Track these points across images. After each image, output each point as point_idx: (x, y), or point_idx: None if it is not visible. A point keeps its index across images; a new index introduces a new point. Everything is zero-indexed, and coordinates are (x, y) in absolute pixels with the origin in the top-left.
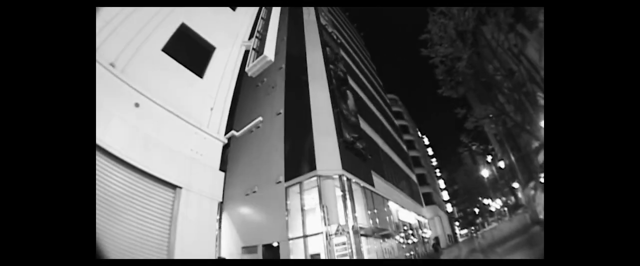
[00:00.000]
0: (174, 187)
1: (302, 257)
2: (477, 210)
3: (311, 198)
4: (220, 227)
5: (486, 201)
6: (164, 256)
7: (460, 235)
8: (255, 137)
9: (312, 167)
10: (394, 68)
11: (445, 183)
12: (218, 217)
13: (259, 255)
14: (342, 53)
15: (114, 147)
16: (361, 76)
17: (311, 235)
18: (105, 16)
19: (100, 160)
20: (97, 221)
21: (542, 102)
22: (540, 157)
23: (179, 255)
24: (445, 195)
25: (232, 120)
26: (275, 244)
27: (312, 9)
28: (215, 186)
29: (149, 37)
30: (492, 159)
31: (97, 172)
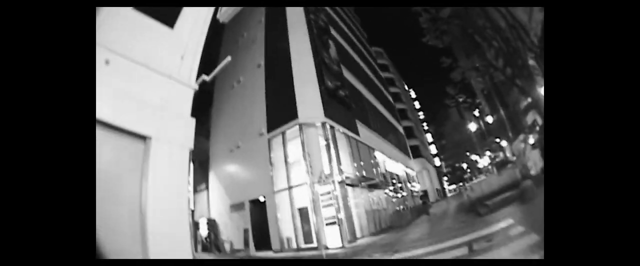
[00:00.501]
0: (143, 138)
1: (288, 211)
2: (465, 166)
3: (295, 149)
4: (208, 187)
5: (474, 157)
6: (136, 209)
7: (448, 190)
8: (237, 92)
9: (294, 115)
10: (380, 20)
11: (433, 137)
12: (200, 172)
13: (246, 211)
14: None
15: None
16: (344, 27)
17: (296, 186)
18: None
19: None
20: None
21: (531, 61)
22: (529, 116)
23: (151, 204)
24: (433, 149)
25: (208, 69)
26: (261, 199)
27: None
28: (186, 133)
29: None
30: (479, 113)
31: None
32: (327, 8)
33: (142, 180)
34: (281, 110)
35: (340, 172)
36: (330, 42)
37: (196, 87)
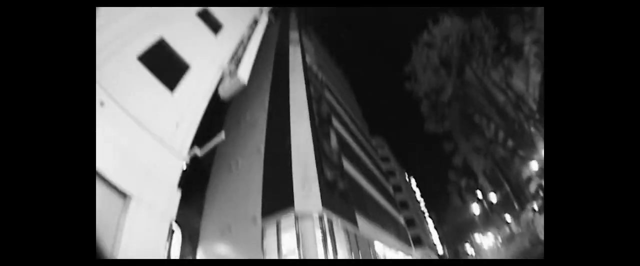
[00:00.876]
0: (124, 195)
1: None
2: (469, 248)
3: (290, 239)
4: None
5: (478, 238)
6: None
7: None
8: (234, 174)
9: (290, 203)
10: (381, 109)
11: (434, 224)
12: (190, 250)
13: None
14: (327, 94)
15: None
16: (346, 118)
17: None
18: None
19: None
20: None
21: (532, 128)
22: (532, 185)
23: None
24: (435, 237)
25: (210, 155)
26: None
27: (298, 48)
28: (169, 203)
29: (128, 43)
30: (482, 194)
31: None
32: (330, 97)
33: (114, 239)
34: (278, 197)
35: None
36: (332, 132)
37: (187, 159)
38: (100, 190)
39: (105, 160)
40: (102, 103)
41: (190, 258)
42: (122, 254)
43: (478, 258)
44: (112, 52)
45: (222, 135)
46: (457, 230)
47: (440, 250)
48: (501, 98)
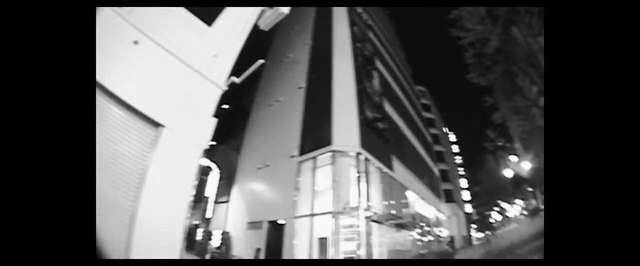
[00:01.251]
0: (156, 124)
1: (307, 238)
2: (495, 214)
3: (324, 177)
4: (229, 200)
5: (505, 205)
6: (130, 195)
7: (475, 238)
8: (274, 111)
9: (328, 141)
10: (424, 59)
11: (467, 182)
12: (225, 185)
13: (263, 231)
14: (371, 35)
15: (109, 81)
16: (390, 60)
17: (319, 215)
18: None
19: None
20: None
21: None
22: None
23: (146, 192)
24: (465, 195)
25: (251, 95)
26: (281, 221)
27: None
28: (203, 131)
29: None
30: (516, 159)
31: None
32: (375, 39)
33: (144, 168)
34: (316, 134)
35: (368, 206)
36: (374, 73)
37: (225, 87)
38: (132, 120)
39: (139, 93)
40: (136, 42)
41: (226, 196)
42: (149, 185)
43: (502, 225)
44: None
45: (260, 61)
46: (487, 193)
47: (468, 208)
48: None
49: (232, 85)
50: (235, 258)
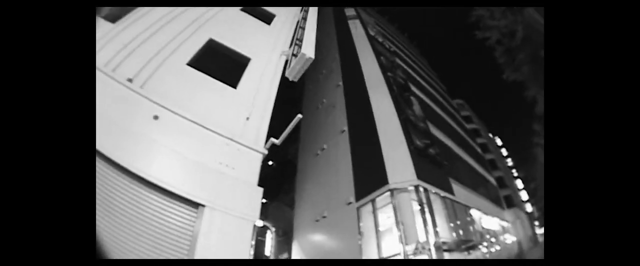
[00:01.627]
0: (196, 205)
1: None
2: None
3: (386, 217)
4: (289, 257)
5: None
6: None
7: (539, 234)
8: (321, 160)
9: (384, 181)
10: (454, 71)
11: (523, 182)
12: (284, 242)
13: None
14: (399, 61)
15: (132, 163)
16: (422, 82)
17: (387, 258)
18: (123, 37)
19: (111, 174)
20: (113, 243)
21: None
22: None
23: None
24: (523, 195)
25: (295, 146)
26: None
27: (358, 22)
28: (250, 204)
29: (173, 52)
30: None
31: (109, 188)
32: (403, 65)
33: (190, 251)
34: (370, 175)
35: (437, 236)
36: (412, 98)
37: (265, 151)
38: (170, 204)
39: (170, 173)
40: (156, 117)
41: (286, 253)
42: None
43: None
44: (157, 65)
45: (299, 116)
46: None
47: (528, 207)
48: None
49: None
50: None
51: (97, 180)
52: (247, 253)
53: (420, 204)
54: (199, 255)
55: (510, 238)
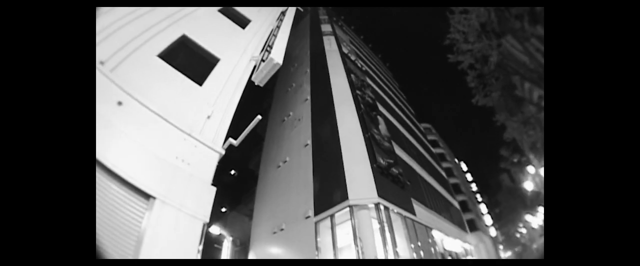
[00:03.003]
0: (147, 196)
1: None
2: (522, 230)
3: (345, 233)
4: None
5: (529, 217)
6: None
7: (505, 258)
8: (282, 172)
9: (344, 196)
10: (424, 95)
11: (487, 207)
12: (242, 254)
13: None
14: (369, 81)
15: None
16: (391, 103)
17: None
18: (104, 21)
19: None
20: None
21: None
22: None
23: None
24: (487, 220)
25: (257, 157)
26: None
27: (332, 39)
28: (202, 203)
29: (146, 42)
30: (534, 170)
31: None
32: (373, 84)
33: (137, 245)
34: (330, 191)
35: (397, 256)
36: (379, 118)
37: (222, 151)
38: (120, 192)
39: (126, 160)
40: (120, 103)
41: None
42: (145, 256)
43: (528, 237)
44: (128, 52)
45: (258, 117)
46: (510, 211)
47: (492, 232)
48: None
49: (234, 149)
50: None
51: None
52: (195, 253)
53: (380, 222)
54: (146, 249)
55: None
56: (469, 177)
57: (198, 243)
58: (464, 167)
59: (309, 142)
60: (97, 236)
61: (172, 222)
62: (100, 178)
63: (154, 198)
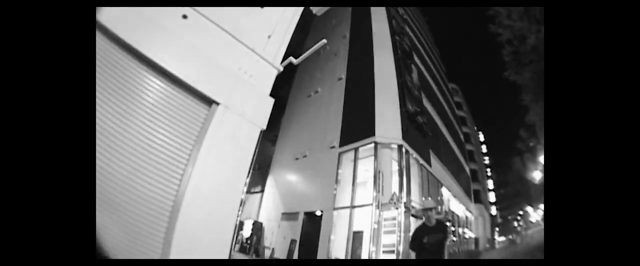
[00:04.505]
0: (210, 102)
1: (344, 230)
2: (519, 218)
3: (364, 169)
4: (263, 190)
5: (529, 209)
6: (177, 176)
7: (498, 241)
8: (312, 102)
9: (371, 132)
10: (457, 57)
11: (493, 184)
12: (259, 175)
13: (298, 222)
14: (407, 29)
15: (153, 53)
16: (425, 55)
17: (360, 206)
18: None
19: (133, 66)
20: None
21: None
22: None
23: (199, 169)
24: (491, 197)
25: (287, 87)
26: (318, 213)
27: None
28: (261, 111)
29: None
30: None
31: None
32: (411, 34)
33: (194, 145)
34: (358, 125)
35: (409, 200)
36: (413, 66)
37: (281, 68)
38: (183, 97)
39: (189, 67)
40: (184, 16)
41: (260, 186)
42: (202, 165)
43: (525, 229)
44: None
45: (323, 41)
46: (515, 195)
47: (493, 211)
48: None
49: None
50: (267, 248)
51: (106, 68)
52: (250, 158)
53: (400, 165)
54: (205, 150)
55: (469, 233)
56: (484, 148)
57: (254, 148)
58: (482, 137)
59: (344, 76)
60: (159, 145)
61: (232, 127)
62: (163, 84)
63: (217, 103)
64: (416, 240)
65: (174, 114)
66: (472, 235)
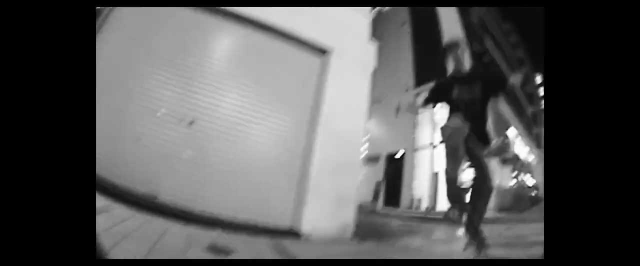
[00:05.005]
0: (322, 51)
1: (426, 170)
2: None
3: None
4: None
5: None
6: (305, 124)
7: None
8: (379, 48)
9: (444, 73)
10: None
11: None
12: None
13: (381, 164)
14: None
15: (255, 13)
16: None
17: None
18: None
19: (240, 30)
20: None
21: None
22: None
23: (325, 121)
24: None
25: None
26: (399, 154)
27: None
28: (368, 53)
29: None
30: None
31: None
32: None
33: (316, 96)
34: (431, 65)
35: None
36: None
37: (373, 15)
38: (293, 49)
39: (298, 23)
40: None
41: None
42: (327, 108)
43: None
44: None
45: None
46: None
47: None
48: None
49: None
50: None
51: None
52: (365, 101)
53: None
54: (329, 98)
55: (529, 180)
56: (541, 91)
57: (368, 88)
58: (539, 80)
59: (407, 21)
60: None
61: (347, 72)
62: (280, 42)
63: (330, 52)
64: (435, 93)
65: (292, 67)
66: (534, 182)
